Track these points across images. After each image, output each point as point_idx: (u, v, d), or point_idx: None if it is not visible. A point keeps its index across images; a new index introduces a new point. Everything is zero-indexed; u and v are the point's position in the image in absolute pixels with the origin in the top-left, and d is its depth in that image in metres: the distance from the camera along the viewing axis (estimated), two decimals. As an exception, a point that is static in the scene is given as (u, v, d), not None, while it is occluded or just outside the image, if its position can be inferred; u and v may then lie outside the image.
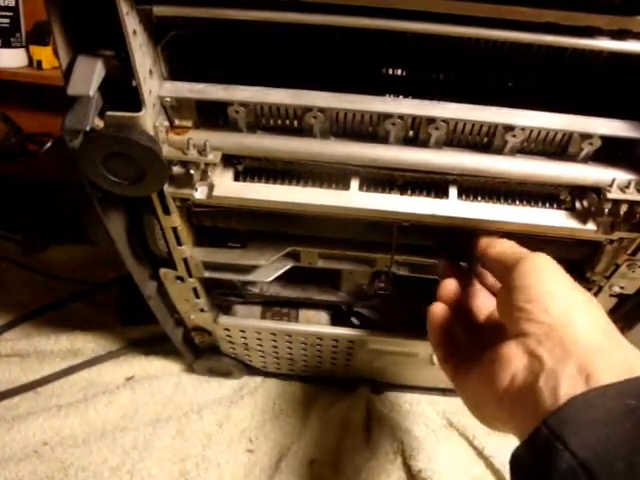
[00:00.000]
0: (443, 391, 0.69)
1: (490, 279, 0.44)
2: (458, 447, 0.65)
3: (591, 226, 0.41)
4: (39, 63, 1.03)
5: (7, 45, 1.00)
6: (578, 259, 0.47)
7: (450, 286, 0.44)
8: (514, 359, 0.33)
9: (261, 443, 0.64)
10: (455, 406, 0.68)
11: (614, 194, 0.38)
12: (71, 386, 0.69)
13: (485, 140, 0.40)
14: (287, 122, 0.41)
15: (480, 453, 0.63)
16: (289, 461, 0.62)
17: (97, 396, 0.67)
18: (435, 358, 0.59)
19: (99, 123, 0.36)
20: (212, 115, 0.41)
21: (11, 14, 0.99)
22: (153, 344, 0.74)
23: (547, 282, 0.34)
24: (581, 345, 0.30)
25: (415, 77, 0.43)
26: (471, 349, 0.40)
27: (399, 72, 0.44)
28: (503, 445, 0.63)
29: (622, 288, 0.47)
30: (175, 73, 0.40)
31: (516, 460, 0.30)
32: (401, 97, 0.39)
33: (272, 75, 0.40)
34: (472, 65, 0.41)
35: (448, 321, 0.43)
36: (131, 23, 0.32)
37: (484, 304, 0.44)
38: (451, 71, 0.43)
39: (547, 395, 0.29)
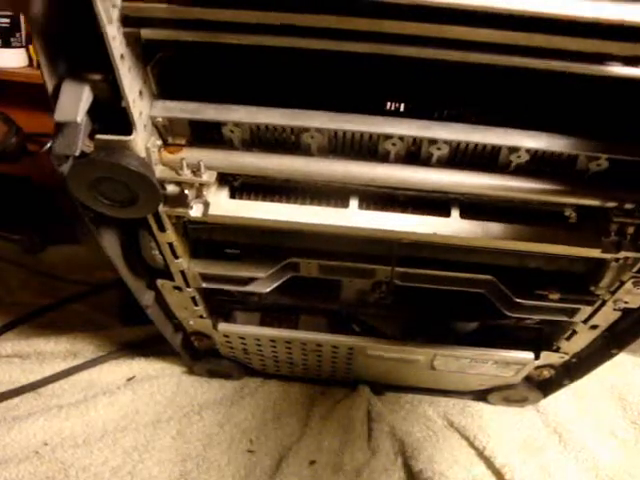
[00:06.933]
0: (444, 392, 0.69)
1: None
2: (459, 448, 0.65)
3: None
4: (39, 63, 1.00)
5: (7, 45, 0.98)
6: (581, 273, 0.47)
7: None
8: None
9: (262, 443, 0.65)
10: (456, 407, 0.69)
11: (621, 216, 0.37)
12: (72, 387, 0.70)
13: (488, 159, 0.39)
14: (284, 137, 0.40)
15: (481, 454, 0.64)
16: (290, 461, 0.62)
17: (98, 397, 0.67)
18: (436, 363, 0.59)
19: (89, 145, 0.35)
20: (206, 131, 0.40)
21: (11, 14, 0.97)
22: (154, 345, 0.74)
23: None
24: None
25: (417, 97, 0.42)
26: None
27: (400, 85, 0.42)
28: (503, 445, 0.63)
29: (626, 303, 0.46)
30: (167, 90, 0.38)
31: None
32: (402, 117, 0.37)
33: (268, 90, 0.38)
34: (475, 85, 0.39)
35: None
36: (118, 48, 0.30)
37: None
38: (455, 91, 0.41)
39: None
